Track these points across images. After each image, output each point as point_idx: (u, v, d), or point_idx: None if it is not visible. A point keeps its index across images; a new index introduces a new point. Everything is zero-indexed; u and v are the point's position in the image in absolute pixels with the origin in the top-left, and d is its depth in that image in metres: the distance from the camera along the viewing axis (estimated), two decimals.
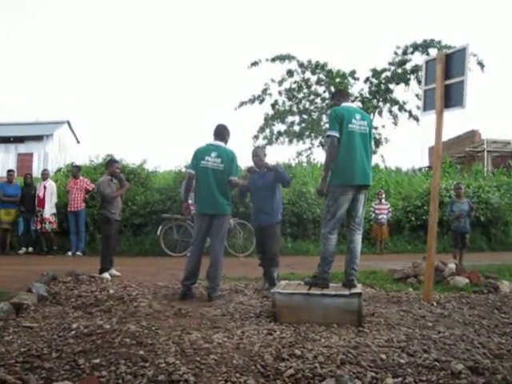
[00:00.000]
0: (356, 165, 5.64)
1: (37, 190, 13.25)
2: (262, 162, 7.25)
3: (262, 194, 7.09)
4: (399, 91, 23.79)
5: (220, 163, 6.59)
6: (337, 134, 5.61)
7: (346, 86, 23.07)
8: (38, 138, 42.77)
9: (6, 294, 6.50)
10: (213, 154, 6.62)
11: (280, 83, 23.83)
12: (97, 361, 3.89)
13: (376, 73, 23.37)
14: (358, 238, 5.89)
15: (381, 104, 23.80)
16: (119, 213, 8.71)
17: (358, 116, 5.76)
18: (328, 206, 5.76)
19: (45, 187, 13.00)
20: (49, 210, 12.88)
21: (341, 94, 6.28)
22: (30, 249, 13.20)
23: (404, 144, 52.68)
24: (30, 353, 4.14)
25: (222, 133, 6.84)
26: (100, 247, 9.22)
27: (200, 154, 6.71)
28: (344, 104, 5.95)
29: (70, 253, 12.65)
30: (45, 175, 13.49)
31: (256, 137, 24.17)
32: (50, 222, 12.85)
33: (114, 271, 8.44)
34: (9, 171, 13.95)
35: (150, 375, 3.58)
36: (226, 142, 6.85)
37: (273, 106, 24.06)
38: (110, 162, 9.04)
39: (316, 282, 5.65)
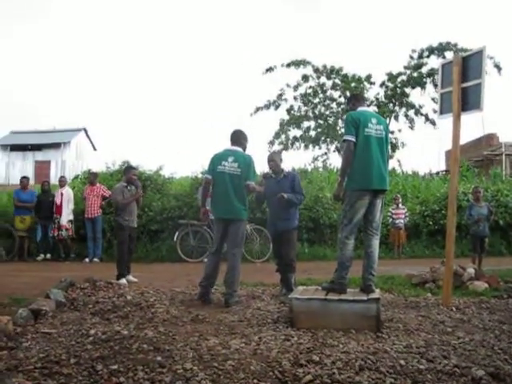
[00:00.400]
0: (373, 169, 5.61)
1: (54, 197, 13.38)
2: (278, 168, 7.24)
3: (278, 200, 7.07)
4: (415, 95, 23.67)
5: (237, 168, 6.59)
6: (353, 139, 5.59)
7: (362, 91, 23.01)
8: (56, 146, 43.30)
9: (24, 300, 6.54)
10: (230, 159, 6.62)
11: (295, 88, 23.85)
12: (115, 367, 3.89)
13: (392, 77, 23.29)
14: (376, 242, 5.85)
15: (397, 108, 23.72)
16: (134, 219, 8.73)
17: (374, 120, 5.73)
18: (345, 211, 5.75)
19: (62, 194, 13.12)
20: (66, 216, 12.98)
21: (356, 98, 6.23)
22: (48, 255, 13.29)
23: (421, 148, 52.41)
24: (49, 359, 4.15)
25: (238, 138, 6.84)
26: (116, 253, 9.25)
27: (217, 159, 6.72)
28: (360, 108, 5.92)
29: (87, 259, 12.71)
30: (62, 182, 13.62)
31: (272, 142, 24.20)
32: (66, 229, 12.94)
33: (131, 277, 8.48)
34: (23, 178, 14.09)
35: (167, 381, 3.58)
36: (244, 148, 6.84)
37: (288, 111, 24.07)
38: (127, 169, 9.11)
39: (333, 287, 5.62)
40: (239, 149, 6.78)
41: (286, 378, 3.69)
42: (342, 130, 13.15)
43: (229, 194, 6.58)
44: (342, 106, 23.59)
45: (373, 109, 23.52)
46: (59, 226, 12.96)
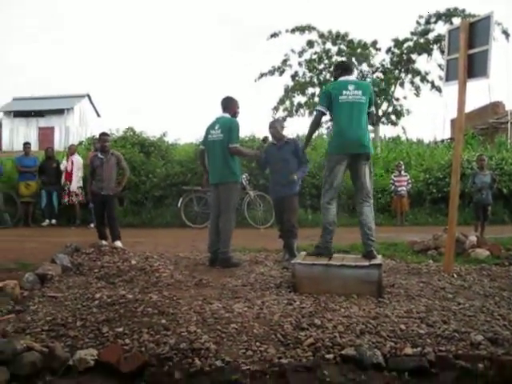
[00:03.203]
0: (349, 134, 5.74)
1: (60, 163, 13.52)
2: (278, 134, 7.27)
3: (279, 166, 7.12)
4: (421, 62, 23.34)
5: (220, 133, 6.79)
6: (322, 109, 5.87)
7: (368, 57, 22.75)
8: (59, 112, 43.12)
9: (30, 265, 6.63)
10: (216, 127, 6.88)
11: (300, 54, 23.53)
12: (120, 329, 3.97)
13: (398, 43, 22.95)
14: (368, 209, 5.90)
15: (402, 75, 23.43)
16: (105, 186, 8.67)
17: (351, 87, 5.82)
18: (325, 176, 5.94)
19: (72, 162, 13.21)
20: (76, 183, 13.20)
21: (343, 67, 6.21)
22: (54, 221, 13.42)
23: (426, 115, 51.99)
24: (55, 322, 4.23)
25: (227, 104, 6.98)
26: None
27: (207, 129, 7.04)
28: (342, 78, 5.97)
29: (92, 225, 12.80)
30: (71, 150, 13.73)
31: (276, 108, 23.96)
32: (76, 195, 13.10)
33: (102, 242, 8.43)
34: (25, 144, 14.28)
35: (172, 343, 3.65)
36: (234, 113, 6.97)
37: (293, 77, 23.81)
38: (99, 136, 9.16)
39: (319, 251, 5.81)
40: (226, 115, 6.92)
41: (288, 341, 3.76)
42: None
43: (215, 160, 6.84)
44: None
45: (378, 75, 23.34)
46: (69, 193, 13.13)
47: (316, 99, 23.82)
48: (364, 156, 5.85)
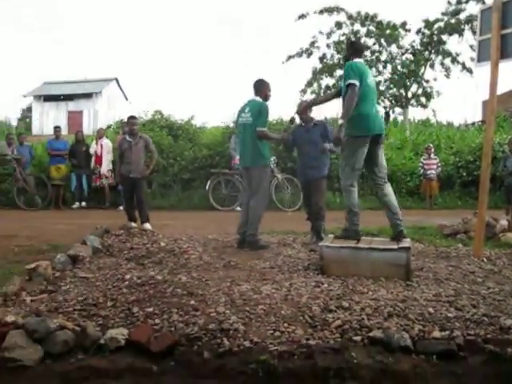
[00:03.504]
0: (372, 116, 5.77)
1: (90, 147, 13.72)
2: (306, 116, 7.24)
3: (308, 149, 7.10)
4: (452, 42, 22.94)
5: (249, 117, 6.76)
6: (358, 83, 5.65)
7: (397, 38, 22.43)
8: (88, 96, 43.51)
9: (62, 246, 6.75)
10: (246, 110, 6.85)
11: (328, 36, 23.29)
12: (150, 309, 4.04)
13: (428, 24, 22.54)
14: (389, 189, 5.92)
15: (433, 56, 23.05)
16: (133, 169, 8.70)
17: (371, 72, 6.02)
18: (347, 158, 5.87)
19: (101, 146, 13.39)
20: (106, 166, 13.42)
21: (357, 48, 6.17)
22: (83, 204, 13.62)
23: (456, 97, 50.96)
24: (87, 302, 4.32)
25: (258, 87, 6.92)
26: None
27: (239, 112, 7.03)
28: (357, 60, 5.90)
29: (121, 207, 12.94)
30: (100, 134, 13.92)
31: (304, 91, 23.81)
32: (106, 178, 13.33)
33: (131, 224, 8.44)
34: (56, 127, 14.53)
35: (201, 324, 3.70)
36: (265, 97, 6.89)
37: (321, 59, 23.60)
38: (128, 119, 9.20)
39: (348, 234, 5.81)
40: (257, 98, 6.86)
41: (316, 323, 3.78)
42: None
43: (245, 144, 6.86)
44: (376, 54, 23.04)
45: (407, 57, 23.02)
46: (100, 176, 13.35)
47: None
48: (382, 138, 5.93)
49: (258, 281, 4.94)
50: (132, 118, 9.04)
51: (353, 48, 6.12)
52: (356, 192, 5.91)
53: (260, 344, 3.46)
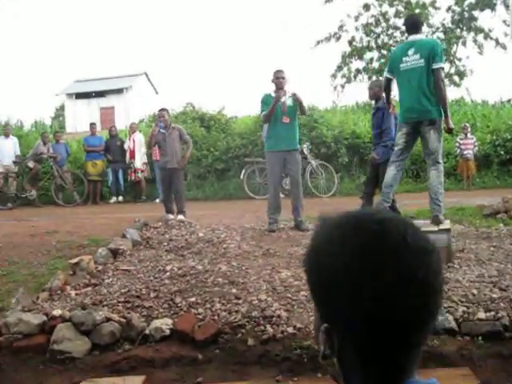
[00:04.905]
0: (411, 102, 5.56)
1: (124, 142, 13.84)
2: (375, 96, 7.19)
3: (374, 132, 7.19)
4: (484, 18, 22.43)
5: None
6: (388, 76, 5.71)
7: (426, 17, 22.01)
8: (118, 92, 43.95)
9: (102, 240, 6.85)
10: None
11: (356, 19, 22.98)
12: (192, 299, 4.08)
13: (459, 0, 22.09)
14: (434, 173, 5.68)
15: (464, 33, 22.57)
16: (169, 160, 8.68)
17: (410, 51, 5.54)
18: (396, 142, 5.87)
19: (134, 140, 13.53)
20: (139, 160, 13.51)
21: (407, 25, 5.99)
22: (120, 198, 13.79)
23: (490, 75, 49.87)
24: (130, 293, 4.39)
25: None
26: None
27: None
28: (409, 38, 5.75)
29: (157, 200, 13.07)
30: (133, 128, 14.03)
31: (334, 76, 23.59)
32: (142, 171, 13.45)
33: (169, 216, 8.42)
34: (91, 124, 14.72)
35: (243, 311, 3.74)
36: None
37: (350, 42, 23.30)
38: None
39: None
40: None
41: None
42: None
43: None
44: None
45: (438, 36, 22.58)
46: (135, 170, 13.47)
47: (375, 64, 23.34)
48: (426, 122, 5.63)
49: (298, 267, 4.93)
50: (162, 109, 9.10)
51: (406, 25, 6.03)
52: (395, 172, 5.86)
53: (303, 330, 3.48)
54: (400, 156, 5.80)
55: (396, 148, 5.80)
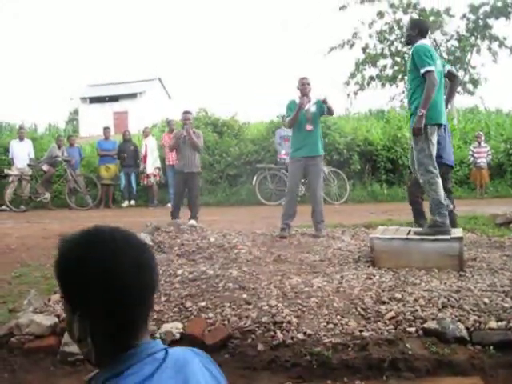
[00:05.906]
0: (441, 104, 5.46)
1: (137, 146, 13.89)
2: None
3: None
4: (499, 26, 22.29)
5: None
6: (434, 69, 5.22)
7: (441, 24, 21.95)
8: (132, 96, 44.22)
9: None
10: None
11: (370, 26, 22.97)
12: (203, 304, 4.09)
13: (473, 8, 21.97)
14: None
15: (479, 41, 22.48)
16: (186, 163, 8.70)
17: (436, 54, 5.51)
18: (424, 148, 5.32)
19: (146, 145, 13.57)
20: (152, 164, 13.53)
21: (422, 28, 5.59)
22: (132, 202, 13.85)
23: (505, 83, 49.54)
24: None
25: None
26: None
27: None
28: (422, 41, 5.46)
29: (169, 204, 13.10)
30: (146, 133, 14.07)
31: (347, 83, 23.59)
32: (154, 176, 13.48)
33: (193, 222, 8.41)
34: (105, 128, 14.74)
35: (254, 317, 3.74)
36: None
37: (363, 49, 23.28)
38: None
39: (439, 230, 5.25)
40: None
41: (369, 315, 3.77)
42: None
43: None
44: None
45: (452, 43, 22.51)
46: (147, 175, 13.51)
47: (388, 71, 23.28)
48: (447, 128, 5.59)
49: (309, 274, 4.94)
50: (187, 112, 9.09)
51: (418, 28, 5.57)
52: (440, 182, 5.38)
53: (313, 336, 3.47)
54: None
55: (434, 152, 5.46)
